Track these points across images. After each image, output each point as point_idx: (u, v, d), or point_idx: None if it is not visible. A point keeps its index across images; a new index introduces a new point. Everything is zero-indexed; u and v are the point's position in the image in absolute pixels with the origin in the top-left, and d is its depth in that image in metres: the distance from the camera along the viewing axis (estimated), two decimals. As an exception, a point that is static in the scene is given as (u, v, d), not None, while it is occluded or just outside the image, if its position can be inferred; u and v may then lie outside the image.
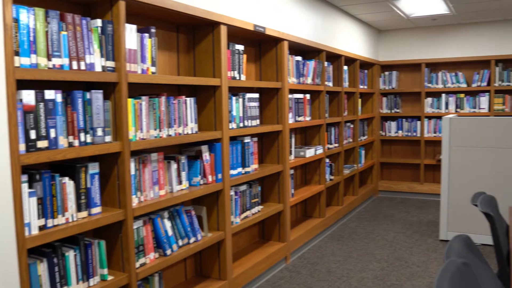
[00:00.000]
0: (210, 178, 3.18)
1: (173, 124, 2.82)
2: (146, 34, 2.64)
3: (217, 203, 3.30)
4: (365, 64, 6.95)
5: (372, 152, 7.13)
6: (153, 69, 2.69)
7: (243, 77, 3.55)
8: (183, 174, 2.98)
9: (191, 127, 3.00)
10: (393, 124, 7.20)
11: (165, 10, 2.73)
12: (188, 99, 2.97)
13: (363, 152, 6.58)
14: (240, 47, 3.50)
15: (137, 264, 2.55)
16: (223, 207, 3.28)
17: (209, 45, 3.23)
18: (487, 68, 6.71)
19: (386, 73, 7.20)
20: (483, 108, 6.62)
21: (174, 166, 2.88)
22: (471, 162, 4.65)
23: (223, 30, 3.21)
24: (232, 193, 3.44)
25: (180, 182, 2.96)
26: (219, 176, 3.24)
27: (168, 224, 2.81)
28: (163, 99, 2.73)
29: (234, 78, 3.44)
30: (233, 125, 3.42)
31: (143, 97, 2.59)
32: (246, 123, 3.59)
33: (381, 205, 6.55)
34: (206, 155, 3.15)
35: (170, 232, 2.81)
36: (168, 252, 2.77)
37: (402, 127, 7.16)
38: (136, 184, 2.57)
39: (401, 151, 7.40)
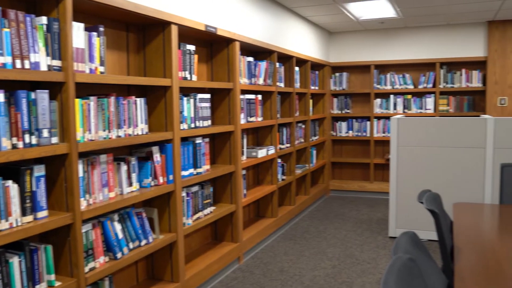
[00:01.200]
0: (161, 180, 3.14)
1: (122, 125, 2.77)
2: (95, 33, 2.57)
3: (168, 205, 3.27)
4: (316, 65, 7.05)
5: (323, 152, 7.25)
6: (101, 68, 2.62)
7: (194, 78, 3.53)
8: (134, 176, 2.93)
9: (141, 127, 2.96)
10: (344, 125, 7.35)
11: (114, 9, 2.67)
12: (138, 99, 2.92)
13: (314, 152, 6.68)
14: (192, 47, 3.47)
15: (86, 269, 2.48)
16: (175, 209, 3.25)
17: (160, 45, 3.19)
18: (432, 71, 6.96)
19: (337, 74, 7.34)
20: (429, 109, 6.86)
21: (124, 167, 2.83)
22: (417, 161, 4.81)
23: (174, 30, 3.18)
24: (184, 194, 3.41)
25: (130, 184, 2.90)
26: (171, 177, 3.21)
27: (118, 227, 2.76)
28: (112, 99, 2.67)
29: (185, 78, 3.41)
30: (184, 126, 3.39)
31: (91, 97, 2.53)
32: (197, 124, 3.57)
33: (332, 204, 6.66)
34: (157, 156, 3.11)
35: (120, 235, 2.76)
36: (119, 255, 2.71)
37: (352, 127, 7.31)
38: (84, 187, 2.51)
39: (351, 150, 7.56)
